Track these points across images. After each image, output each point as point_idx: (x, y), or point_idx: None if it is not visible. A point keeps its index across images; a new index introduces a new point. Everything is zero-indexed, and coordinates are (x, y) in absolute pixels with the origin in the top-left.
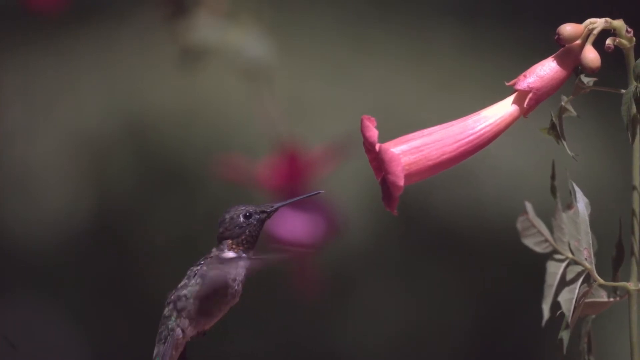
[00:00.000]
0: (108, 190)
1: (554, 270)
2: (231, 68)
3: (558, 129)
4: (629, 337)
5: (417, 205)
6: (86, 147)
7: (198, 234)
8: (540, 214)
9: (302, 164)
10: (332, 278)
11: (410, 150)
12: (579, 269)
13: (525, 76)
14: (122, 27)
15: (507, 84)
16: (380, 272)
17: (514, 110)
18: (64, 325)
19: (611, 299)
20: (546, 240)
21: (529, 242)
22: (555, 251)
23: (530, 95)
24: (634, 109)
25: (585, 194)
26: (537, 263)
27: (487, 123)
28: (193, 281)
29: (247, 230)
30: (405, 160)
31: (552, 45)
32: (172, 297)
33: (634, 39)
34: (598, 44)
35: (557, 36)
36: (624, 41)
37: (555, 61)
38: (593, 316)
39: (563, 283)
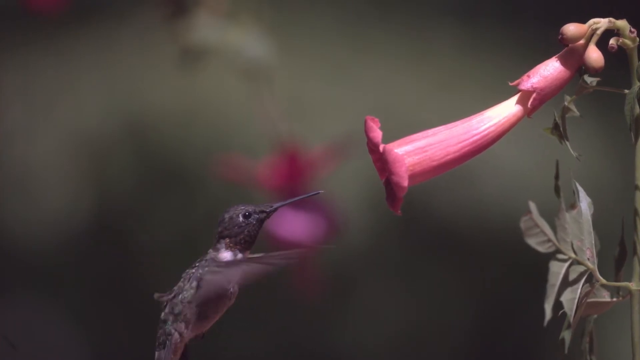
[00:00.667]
0: (108, 190)
1: (557, 270)
2: (231, 68)
3: (561, 129)
4: (631, 337)
5: (417, 205)
6: (86, 147)
7: (198, 234)
8: (542, 214)
9: (302, 164)
10: (332, 278)
11: (415, 151)
12: (581, 269)
13: (529, 76)
14: (122, 27)
15: (510, 84)
16: (380, 272)
17: (517, 110)
18: (64, 325)
19: (614, 299)
20: (549, 240)
21: (532, 241)
22: (558, 251)
23: (534, 95)
24: (637, 109)
25: (586, 194)
26: (537, 263)
27: (491, 123)
28: (188, 285)
29: (245, 230)
30: (409, 160)
31: (552, 45)
32: (168, 301)
33: (638, 39)
34: (601, 44)
35: (560, 36)
36: (628, 41)
37: (558, 61)
38: (595, 316)
39: (565, 283)
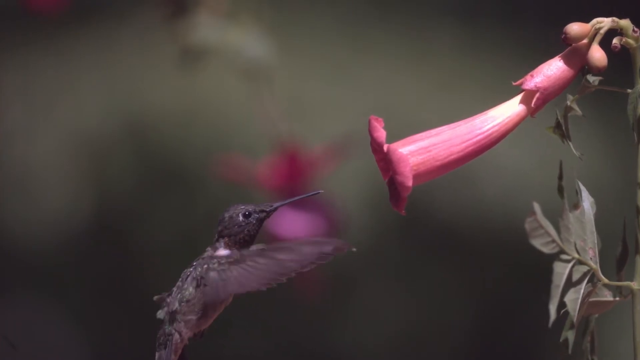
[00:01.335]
0: (108, 190)
1: (561, 271)
2: (231, 68)
3: (563, 128)
4: (632, 336)
5: (418, 205)
6: (86, 147)
7: (198, 234)
8: (543, 214)
9: (302, 164)
10: (332, 278)
11: (418, 151)
12: (584, 269)
13: (532, 76)
14: (122, 27)
15: (514, 83)
16: (380, 272)
17: (521, 110)
18: (64, 325)
19: (616, 299)
20: (553, 241)
21: (537, 242)
22: (562, 251)
23: (537, 95)
24: (639, 109)
25: (589, 194)
26: (538, 263)
27: (494, 123)
28: (186, 284)
29: (245, 230)
30: (413, 160)
31: (552, 45)
32: (166, 301)
33: None
34: (604, 44)
35: (564, 35)
36: (631, 41)
37: (562, 61)
38: (596, 315)
39: (569, 283)
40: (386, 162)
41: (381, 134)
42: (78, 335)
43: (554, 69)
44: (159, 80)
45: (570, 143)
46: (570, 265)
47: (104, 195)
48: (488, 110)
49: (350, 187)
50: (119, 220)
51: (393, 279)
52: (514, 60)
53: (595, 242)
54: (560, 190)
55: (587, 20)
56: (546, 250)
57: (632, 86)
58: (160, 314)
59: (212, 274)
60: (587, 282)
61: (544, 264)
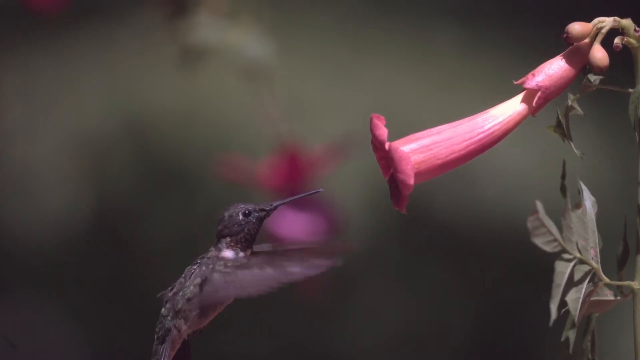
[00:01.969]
0: (108, 190)
1: (562, 270)
2: (231, 68)
3: (564, 127)
4: (633, 335)
5: (418, 205)
6: (86, 147)
7: (198, 234)
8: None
9: (302, 164)
10: (332, 278)
11: (420, 149)
12: (586, 268)
13: (533, 75)
14: (122, 27)
15: (515, 82)
16: (380, 272)
17: (522, 109)
18: (64, 325)
19: (617, 298)
20: (555, 240)
21: (539, 241)
22: (564, 251)
23: (539, 94)
24: None
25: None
26: (538, 263)
27: (496, 122)
28: (190, 282)
29: (245, 229)
30: (414, 159)
31: (552, 45)
32: (168, 296)
33: None
34: (605, 43)
35: (565, 35)
36: (632, 40)
37: (563, 60)
38: (597, 315)
39: (569, 283)
40: (387, 161)
41: (383, 132)
42: (78, 335)
43: (555, 68)
44: (159, 80)
45: (571, 142)
46: (571, 264)
47: (104, 195)
48: (489, 109)
49: (350, 187)
50: (119, 220)
51: (393, 279)
52: (514, 60)
53: (597, 241)
54: (563, 189)
55: (587, 20)
56: (548, 248)
57: (633, 86)
58: (163, 309)
59: (217, 276)
60: (589, 282)
61: (544, 263)
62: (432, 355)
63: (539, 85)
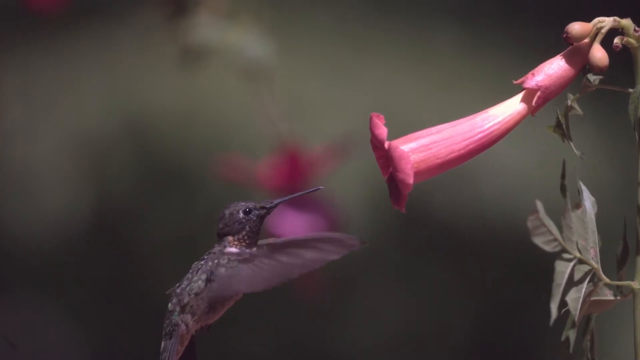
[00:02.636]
0: (108, 190)
1: (563, 270)
2: (231, 68)
3: (564, 127)
4: (633, 335)
5: (418, 205)
6: (86, 147)
7: (198, 234)
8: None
9: (302, 164)
10: (332, 278)
11: (419, 148)
12: (586, 268)
13: (533, 74)
14: (122, 27)
15: (514, 82)
16: (380, 272)
17: (522, 108)
18: (64, 325)
19: (616, 298)
20: (555, 240)
21: (539, 241)
22: (564, 250)
23: (538, 93)
24: None
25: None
26: (537, 263)
27: (495, 121)
28: (196, 277)
29: (247, 227)
30: (414, 158)
31: (552, 45)
32: (175, 292)
33: None
34: (605, 43)
35: (565, 34)
36: (632, 40)
37: (563, 60)
38: (596, 314)
39: (570, 282)
40: (386, 160)
41: (382, 131)
42: (78, 335)
43: (555, 67)
44: (159, 80)
45: (570, 142)
46: (571, 264)
47: (104, 195)
48: (489, 109)
49: (350, 187)
50: (119, 220)
51: (393, 279)
52: (514, 60)
53: (597, 241)
54: (563, 189)
55: (587, 19)
56: (548, 248)
57: (633, 86)
58: (170, 305)
59: (222, 270)
60: (589, 282)
61: (544, 263)
62: (432, 355)
63: (539, 85)
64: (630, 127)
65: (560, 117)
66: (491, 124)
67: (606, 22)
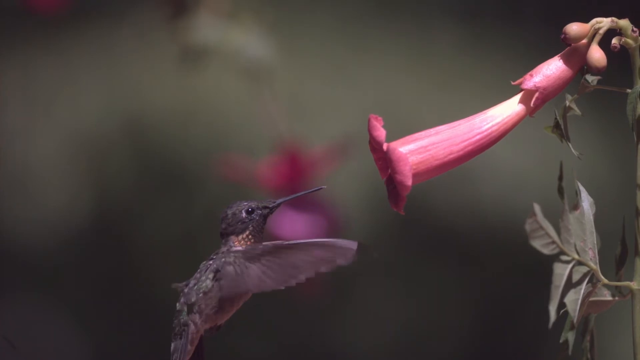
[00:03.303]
0: (108, 190)
1: (561, 272)
2: (231, 68)
3: (562, 128)
4: (632, 335)
5: (417, 205)
6: (86, 147)
7: (198, 234)
8: (542, 214)
9: (302, 164)
10: (332, 278)
11: (418, 150)
12: (584, 269)
13: (531, 75)
14: (122, 27)
15: (513, 83)
16: (380, 272)
17: (520, 109)
18: (64, 325)
19: (615, 298)
20: (553, 242)
21: (537, 243)
22: (562, 252)
23: (536, 94)
24: (639, 109)
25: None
26: (537, 263)
27: (494, 122)
28: (204, 276)
29: (250, 226)
30: (412, 159)
31: (552, 45)
32: (184, 292)
33: None
34: (603, 44)
35: (563, 35)
36: (630, 41)
37: (561, 60)
38: (595, 315)
39: (569, 284)
40: (385, 161)
41: (381, 132)
42: (78, 335)
43: (553, 68)
44: (159, 80)
45: (569, 143)
46: (570, 266)
47: (104, 195)
48: (487, 110)
49: (350, 187)
50: (118, 220)
51: (393, 279)
52: (514, 60)
53: (595, 242)
54: (561, 191)
55: (586, 20)
56: (546, 251)
57: (631, 86)
58: (178, 304)
59: (229, 268)
60: (587, 283)
61: (544, 263)
62: (432, 355)
63: (537, 85)
64: (629, 128)
65: (558, 117)
66: (489, 125)
67: (604, 22)
